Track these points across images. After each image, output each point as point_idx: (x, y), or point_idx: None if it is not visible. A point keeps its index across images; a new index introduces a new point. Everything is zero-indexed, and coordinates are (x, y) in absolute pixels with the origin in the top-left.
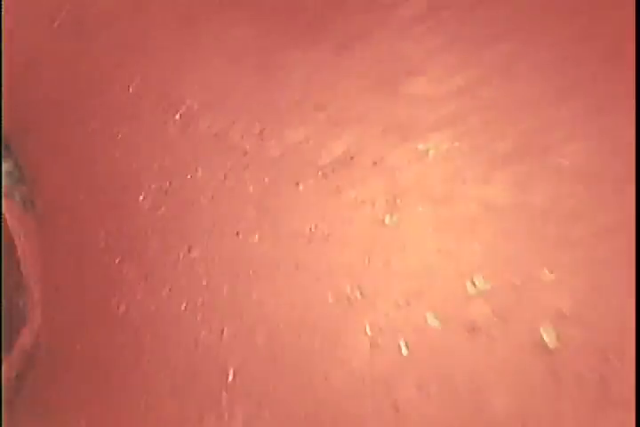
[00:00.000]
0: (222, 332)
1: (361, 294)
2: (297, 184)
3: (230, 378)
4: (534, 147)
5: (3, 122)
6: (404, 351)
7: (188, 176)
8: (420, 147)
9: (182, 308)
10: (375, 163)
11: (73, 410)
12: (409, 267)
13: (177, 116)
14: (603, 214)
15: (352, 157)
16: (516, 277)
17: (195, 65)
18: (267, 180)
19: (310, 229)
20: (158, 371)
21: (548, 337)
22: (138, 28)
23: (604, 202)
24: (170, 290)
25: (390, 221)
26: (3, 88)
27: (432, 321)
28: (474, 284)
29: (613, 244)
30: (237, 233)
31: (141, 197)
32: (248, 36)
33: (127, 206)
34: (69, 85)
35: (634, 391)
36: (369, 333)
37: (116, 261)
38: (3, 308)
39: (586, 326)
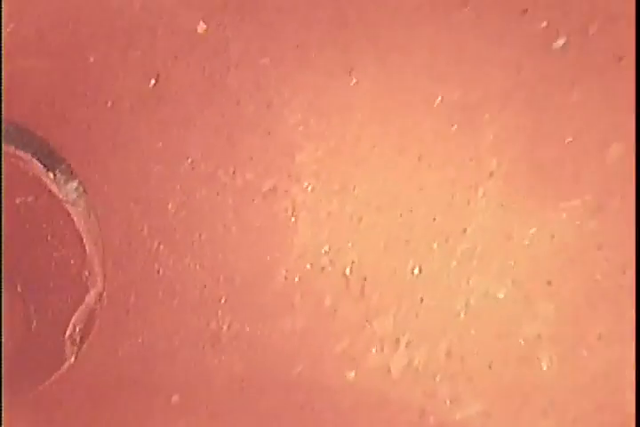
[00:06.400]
0: (219, 279)
1: (283, 255)
2: (251, 200)
3: (222, 302)
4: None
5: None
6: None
7: (197, 194)
8: (305, 185)
9: (197, 267)
10: (285, 191)
11: (131, 334)
12: (303, 241)
13: (188, 162)
14: None
15: (276, 189)
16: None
17: (194, 134)
18: (237, 198)
19: (257, 224)
20: (186, 305)
21: None
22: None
23: None
24: (190, 257)
25: (292, 220)
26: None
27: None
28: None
29: None
30: (224, 225)
31: (169, 206)
32: (225, 117)
33: (161, 211)
34: (119, 143)
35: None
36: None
37: (156, 243)
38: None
39: None
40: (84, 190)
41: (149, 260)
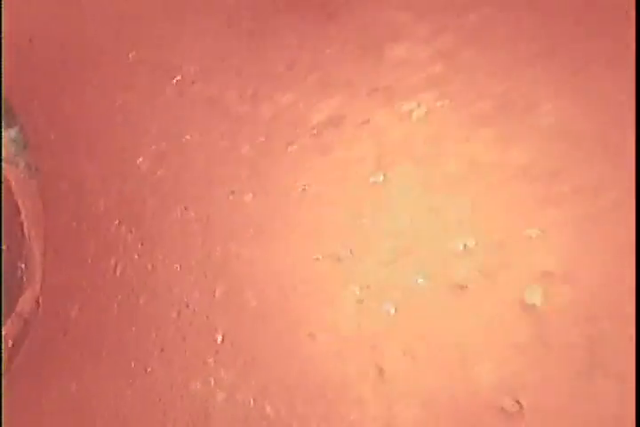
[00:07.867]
0: (214, 293)
1: (350, 252)
2: (288, 144)
3: (219, 341)
4: (515, 106)
5: (2, 91)
6: (392, 311)
7: (185, 138)
8: (404, 108)
9: (176, 268)
10: (362, 123)
11: (65, 374)
12: (397, 225)
13: (174, 82)
14: (586, 172)
15: (340, 118)
16: (501, 234)
17: (190, 31)
18: (259, 141)
19: (301, 188)
20: (150, 333)
21: (535, 296)
22: None
23: (587, 159)
24: (165, 251)
25: (378, 180)
26: (3, 62)
27: (419, 280)
28: (461, 243)
29: (597, 201)
30: (232, 192)
31: (140, 160)
32: (242, 2)
33: (126, 170)
34: (70, 57)
35: (622, 355)
36: (357, 292)
37: (115, 223)
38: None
39: (573, 285)
40: (26, 141)
41: (103, 251)
